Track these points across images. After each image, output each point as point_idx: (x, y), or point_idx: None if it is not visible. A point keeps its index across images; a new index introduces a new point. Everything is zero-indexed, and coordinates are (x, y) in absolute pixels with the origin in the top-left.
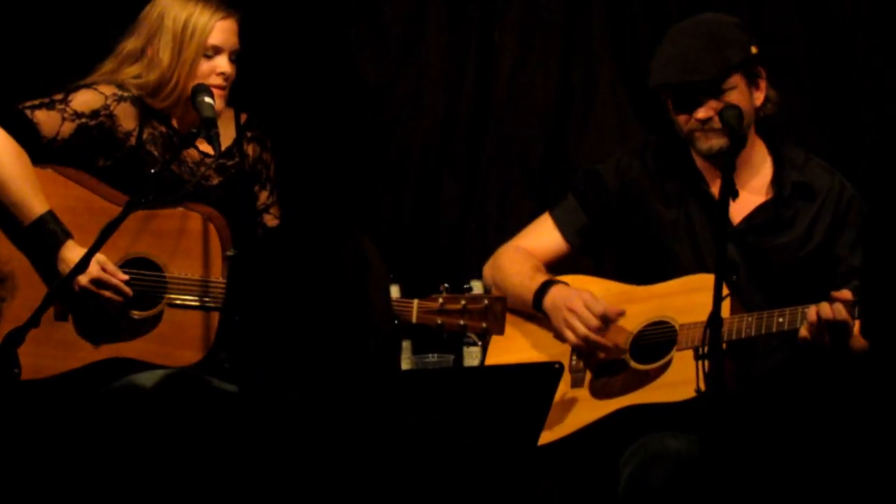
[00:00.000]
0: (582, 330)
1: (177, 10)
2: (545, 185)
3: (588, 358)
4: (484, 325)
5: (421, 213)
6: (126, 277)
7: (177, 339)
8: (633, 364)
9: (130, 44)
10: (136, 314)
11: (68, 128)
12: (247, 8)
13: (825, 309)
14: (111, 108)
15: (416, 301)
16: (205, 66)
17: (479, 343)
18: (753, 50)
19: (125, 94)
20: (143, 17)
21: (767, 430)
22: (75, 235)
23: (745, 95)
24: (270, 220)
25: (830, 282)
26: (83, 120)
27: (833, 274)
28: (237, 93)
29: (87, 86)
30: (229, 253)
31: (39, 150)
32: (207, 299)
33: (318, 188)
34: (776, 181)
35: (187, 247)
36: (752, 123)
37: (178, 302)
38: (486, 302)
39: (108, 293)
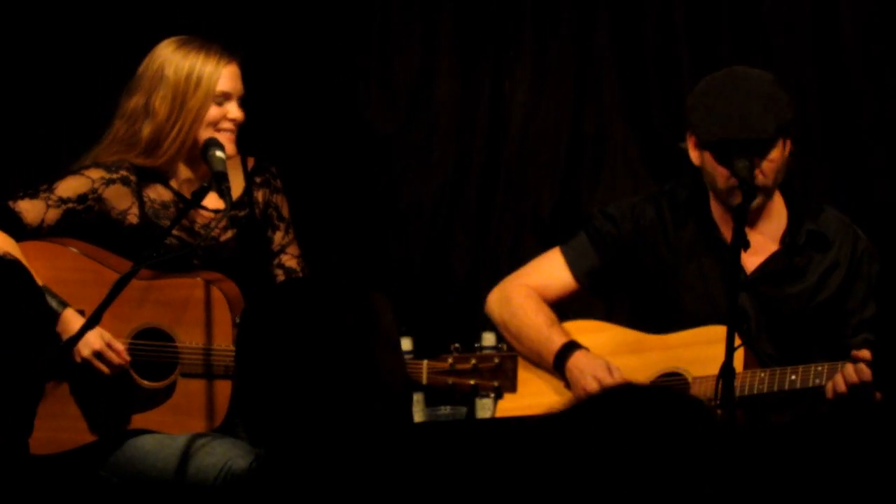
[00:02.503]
0: None
1: (178, 60)
2: (557, 237)
3: None
4: (496, 383)
5: (431, 264)
6: (128, 359)
7: (191, 409)
8: None
9: (133, 101)
10: (149, 385)
11: (54, 214)
12: (255, 56)
13: (850, 373)
14: (99, 191)
15: (425, 362)
16: (215, 112)
17: (492, 395)
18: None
19: (114, 175)
20: (142, 72)
21: (778, 482)
22: (85, 308)
23: (782, 151)
24: (289, 261)
25: (841, 333)
26: (70, 205)
27: (844, 325)
28: (244, 140)
29: (74, 172)
30: (239, 320)
31: (25, 238)
32: (220, 367)
33: (326, 241)
34: (790, 230)
35: (196, 315)
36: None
37: (190, 371)
38: (496, 360)
39: (107, 370)
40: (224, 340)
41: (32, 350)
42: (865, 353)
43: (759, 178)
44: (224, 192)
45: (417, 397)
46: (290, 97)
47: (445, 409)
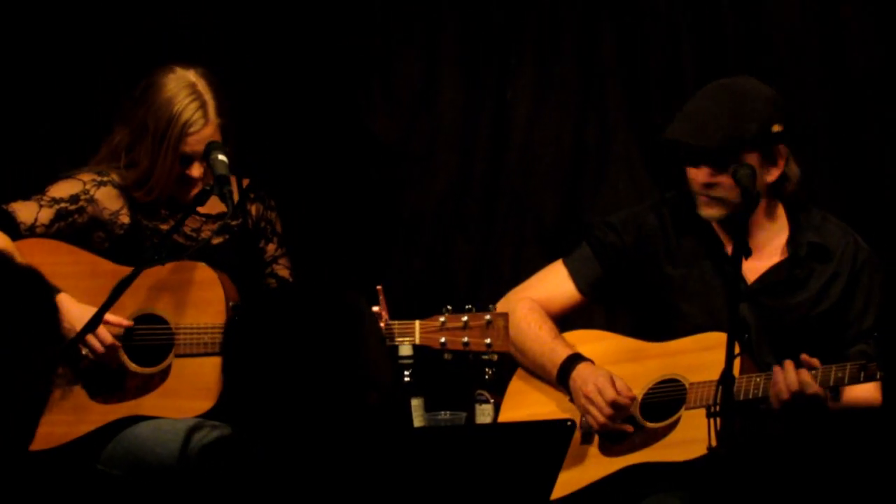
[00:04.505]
0: (599, 418)
1: (159, 109)
2: (559, 245)
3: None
4: (487, 340)
5: (433, 273)
6: (130, 324)
7: (187, 390)
8: (642, 422)
9: (119, 136)
10: (144, 370)
11: (46, 214)
12: (255, 62)
13: (791, 375)
14: (91, 192)
15: (417, 322)
16: (180, 168)
17: (492, 401)
18: (776, 128)
19: (105, 178)
20: (134, 103)
21: (772, 491)
22: (81, 300)
23: (756, 175)
24: (281, 270)
25: (840, 343)
26: (62, 205)
27: (842, 335)
28: (241, 156)
29: (66, 177)
30: (233, 303)
31: (20, 238)
32: (215, 345)
33: (327, 250)
34: (791, 242)
35: (189, 295)
36: (763, 195)
37: (186, 352)
38: (487, 317)
39: (100, 348)
40: (218, 318)
41: (41, 360)
42: (814, 361)
43: (718, 191)
44: (226, 196)
45: (416, 402)
46: (291, 105)
47: (445, 415)
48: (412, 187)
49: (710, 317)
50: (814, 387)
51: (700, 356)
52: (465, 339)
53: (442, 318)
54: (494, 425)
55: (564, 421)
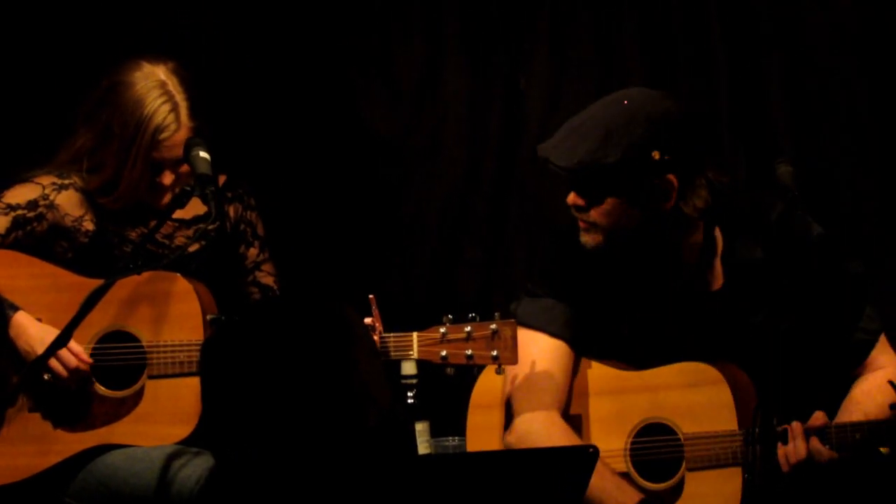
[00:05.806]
0: None
1: (126, 110)
2: None
3: None
4: (493, 352)
5: (438, 281)
6: (90, 361)
7: (163, 415)
8: (640, 482)
9: (81, 139)
10: (114, 394)
11: (2, 222)
12: (246, 49)
13: (790, 451)
14: (51, 197)
15: (415, 334)
16: (150, 175)
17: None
18: (656, 156)
19: (66, 181)
20: (98, 106)
21: None
22: (43, 316)
23: (627, 205)
24: (264, 278)
25: (834, 343)
26: (19, 212)
27: (832, 334)
28: (220, 149)
29: (23, 180)
30: (211, 317)
31: None
32: (192, 364)
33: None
34: (727, 259)
35: (166, 310)
36: (646, 226)
37: (160, 372)
38: (493, 326)
39: (65, 372)
40: (195, 334)
41: None
42: (819, 419)
43: (589, 216)
44: (209, 198)
45: (421, 427)
46: (282, 94)
47: (453, 440)
48: (414, 186)
49: (667, 358)
50: (825, 454)
51: (686, 395)
52: (469, 351)
53: (442, 329)
54: (509, 452)
55: (587, 447)
